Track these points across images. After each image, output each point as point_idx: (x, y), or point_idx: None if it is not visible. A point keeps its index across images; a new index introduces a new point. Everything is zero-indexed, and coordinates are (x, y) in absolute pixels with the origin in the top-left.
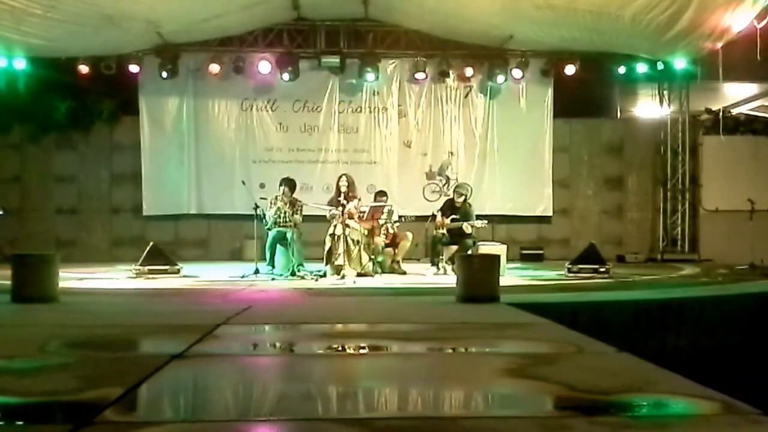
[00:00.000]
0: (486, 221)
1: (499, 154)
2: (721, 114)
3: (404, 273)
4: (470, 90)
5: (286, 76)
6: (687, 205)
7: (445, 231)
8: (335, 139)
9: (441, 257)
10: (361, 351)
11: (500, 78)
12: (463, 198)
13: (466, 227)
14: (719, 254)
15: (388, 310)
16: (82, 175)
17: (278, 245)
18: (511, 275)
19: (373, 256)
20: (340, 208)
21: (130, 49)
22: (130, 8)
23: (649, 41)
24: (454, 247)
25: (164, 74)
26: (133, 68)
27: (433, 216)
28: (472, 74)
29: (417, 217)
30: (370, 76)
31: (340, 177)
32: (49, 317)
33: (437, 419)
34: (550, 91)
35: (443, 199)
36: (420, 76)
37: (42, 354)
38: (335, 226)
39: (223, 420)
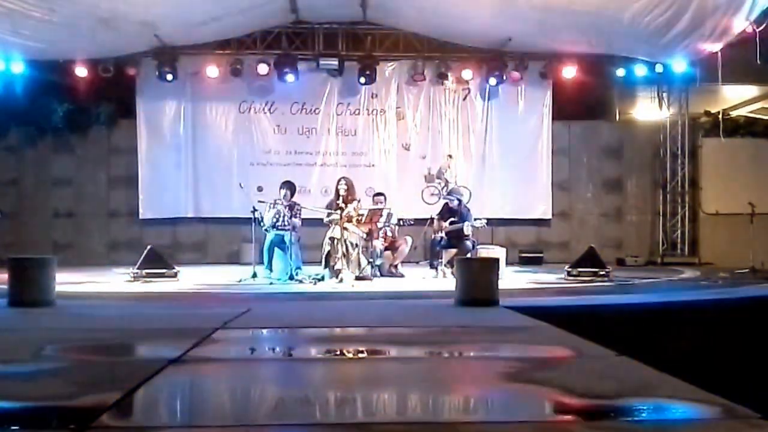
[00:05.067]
0: (485, 220)
1: (498, 156)
2: (720, 116)
3: (403, 276)
4: (468, 92)
5: (284, 79)
6: (687, 208)
7: (443, 234)
8: (333, 142)
9: (440, 260)
10: (360, 355)
11: (499, 80)
12: (457, 201)
13: (466, 228)
14: (719, 257)
15: (386, 314)
16: (79, 179)
17: (276, 248)
18: (510, 278)
19: (371, 260)
20: (339, 211)
21: (127, 51)
22: (127, 11)
23: (647, 43)
24: (453, 251)
25: (162, 77)
26: (131, 71)
27: (432, 220)
28: (470, 77)
29: (416, 220)
30: (368, 78)
31: (339, 180)
32: (46, 321)
33: (436, 424)
34: (548, 94)
35: (442, 202)
36: (418, 78)
37: (39, 358)
38: (334, 230)
39: (221, 425)
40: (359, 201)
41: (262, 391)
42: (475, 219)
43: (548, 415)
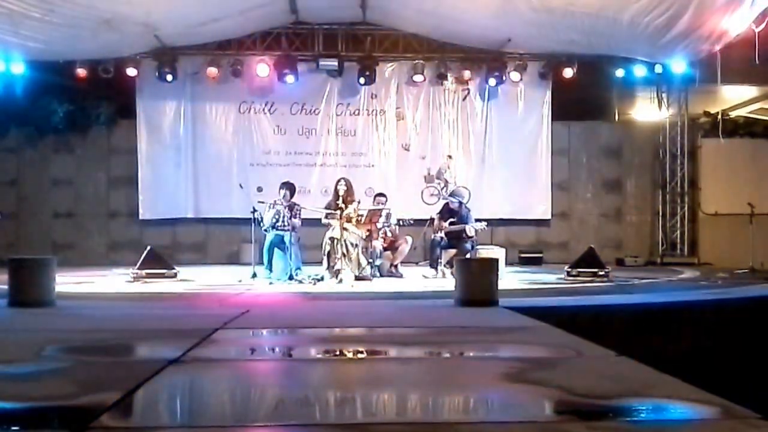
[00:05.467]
0: (486, 223)
1: (498, 157)
2: (719, 117)
3: (402, 276)
4: (468, 93)
5: (284, 79)
6: (686, 208)
7: (443, 234)
8: (333, 142)
9: (439, 261)
10: (359, 355)
11: (498, 81)
12: (459, 202)
13: (470, 229)
14: (719, 258)
15: (386, 314)
16: (79, 179)
17: (276, 249)
18: (509, 279)
19: (371, 260)
20: (338, 212)
21: (127, 52)
22: (127, 11)
23: (647, 44)
24: (453, 251)
25: (162, 77)
26: (131, 72)
27: (432, 220)
28: (470, 77)
29: (415, 220)
30: (367, 79)
31: (339, 181)
32: (45, 322)
33: (435, 424)
34: (548, 94)
35: (442, 202)
36: (418, 79)
37: (38, 359)
38: (333, 230)
39: (220, 425)
40: (359, 201)
41: (261, 391)
42: (477, 221)
43: (548, 416)
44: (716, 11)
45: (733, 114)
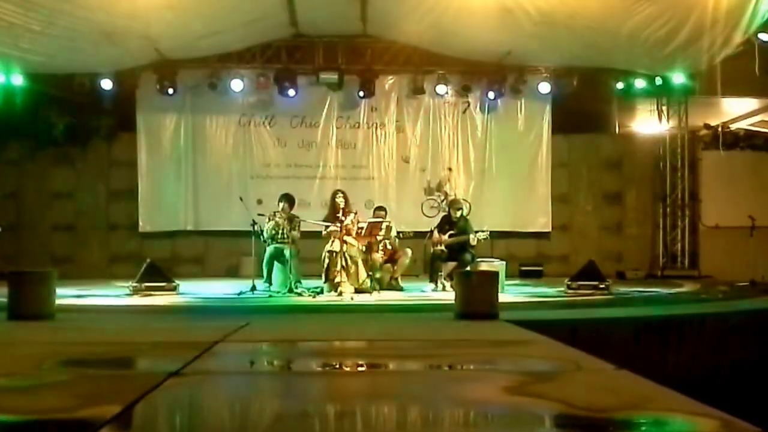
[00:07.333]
0: (487, 231)
1: (498, 169)
2: (720, 129)
3: (402, 289)
4: (468, 105)
5: (284, 92)
6: (687, 220)
7: (443, 247)
8: (333, 155)
9: (440, 273)
10: (359, 369)
11: (498, 93)
12: (459, 213)
13: (473, 239)
14: (719, 270)
15: (386, 327)
16: (79, 192)
17: (276, 262)
18: (510, 292)
19: (371, 273)
20: (339, 224)
21: (127, 65)
22: (128, 25)
23: (647, 56)
24: (453, 263)
25: (162, 90)
26: (131, 84)
27: (431, 233)
28: (470, 90)
29: (415, 232)
30: (367, 92)
31: (336, 193)
32: (45, 335)
33: None
34: (548, 107)
35: (441, 215)
36: (418, 91)
37: (38, 372)
38: (333, 243)
39: None
40: (356, 213)
41: (261, 404)
42: (478, 231)
43: (547, 429)
44: (716, 24)
45: (733, 126)
